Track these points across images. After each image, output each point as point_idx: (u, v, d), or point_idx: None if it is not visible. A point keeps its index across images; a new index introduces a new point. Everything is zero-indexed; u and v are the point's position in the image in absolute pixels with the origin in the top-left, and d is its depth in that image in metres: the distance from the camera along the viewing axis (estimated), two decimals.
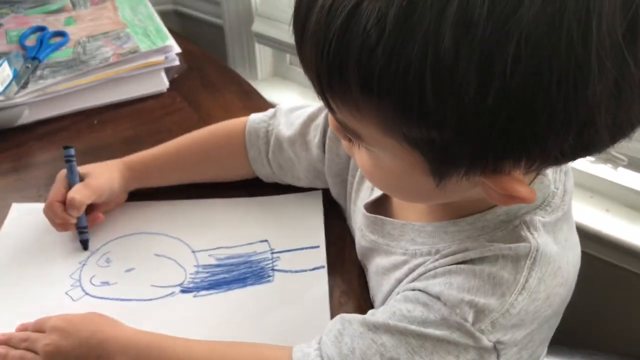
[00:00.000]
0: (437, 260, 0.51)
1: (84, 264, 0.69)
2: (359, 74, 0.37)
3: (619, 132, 0.40)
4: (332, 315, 0.63)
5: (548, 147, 0.38)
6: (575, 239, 0.54)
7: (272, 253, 0.69)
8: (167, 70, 0.96)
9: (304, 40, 0.40)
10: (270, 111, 0.73)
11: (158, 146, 0.74)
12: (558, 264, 0.49)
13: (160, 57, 0.92)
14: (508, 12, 0.33)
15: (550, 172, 0.52)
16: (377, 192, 0.61)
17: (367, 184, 0.63)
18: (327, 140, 0.67)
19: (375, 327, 0.50)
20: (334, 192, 0.72)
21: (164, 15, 1.04)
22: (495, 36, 0.33)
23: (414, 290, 0.50)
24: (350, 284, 0.66)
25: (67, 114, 0.90)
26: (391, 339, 0.49)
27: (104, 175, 0.70)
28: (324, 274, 0.66)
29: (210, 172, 0.75)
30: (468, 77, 0.34)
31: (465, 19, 0.33)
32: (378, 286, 0.60)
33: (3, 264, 0.69)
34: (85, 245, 0.70)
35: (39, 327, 0.59)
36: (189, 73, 0.98)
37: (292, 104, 0.73)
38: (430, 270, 0.51)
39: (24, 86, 0.88)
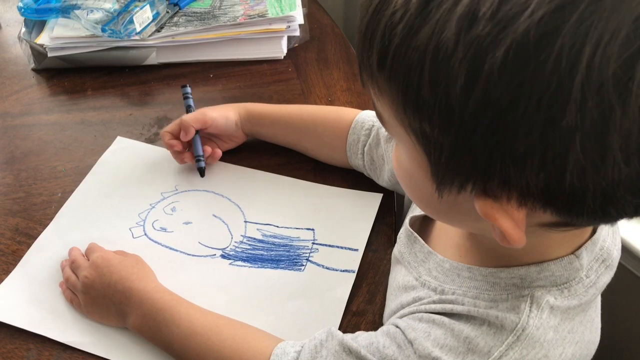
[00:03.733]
0: (433, 302, 0.51)
1: (153, 207, 0.77)
2: (380, 47, 0.38)
3: (607, 196, 0.35)
4: (344, 320, 0.65)
5: (527, 174, 0.35)
6: (587, 336, 0.50)
7: (313, 243, 0.72)
8: (290, 39, 0.99)
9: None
10: None
11: (275, 105, 0.82)
12: (545, 352, 0.46)
13: (282, 25, 0.96)
14: (510, 16, 0.32)
15: (587, 258, 0.48)
16: None
17: None
18: None
19: (350, 351, 0.51)
20: (408, 201, 0.72)
21: None
22: (491, 37, 0.32)
23: (397, 326, 0.51)
24: (373, 295, 0.67)
25: (188, 62, 0.97)
26: None
27: (218, 110, 0.79)
28: (351, 278, 0.68)
29: (310, 146, 0.80)
30: (458, 72, 0.34)
31: (471, 14, 0.33)
32: (389, 301, 0.61)
33: (91, 187, 0.79)
34: (201, 172, 0.79)
35: (87, 253, 0.68)
36: (309, 44, 1.00)
37: None
38: (421, 311, 0.51)
39: (159, 30, 0.96)
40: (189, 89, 0.82)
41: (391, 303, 0.59)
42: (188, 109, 0.82)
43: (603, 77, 0.31)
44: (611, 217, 0.39)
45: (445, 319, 0.48)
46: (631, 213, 0.38)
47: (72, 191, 0.79)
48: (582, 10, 0.31)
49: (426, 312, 0.50)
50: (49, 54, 0.95)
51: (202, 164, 0.78)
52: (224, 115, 0.79)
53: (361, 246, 0.71)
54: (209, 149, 0.79)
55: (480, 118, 0.34)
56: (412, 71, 0.36)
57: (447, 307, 0.49)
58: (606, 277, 0.50)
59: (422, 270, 0.55)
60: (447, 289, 0.51)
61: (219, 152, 0.79)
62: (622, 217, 0.39)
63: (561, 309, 0.47)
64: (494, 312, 0.46)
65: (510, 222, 0.39)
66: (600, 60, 0.31)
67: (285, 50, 0.98)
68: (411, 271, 0.57)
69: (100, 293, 0.63)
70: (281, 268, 0.70)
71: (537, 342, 0.45)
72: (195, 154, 0.79)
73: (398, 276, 0.59)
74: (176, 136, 0.79)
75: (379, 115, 0.44)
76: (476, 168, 0.37)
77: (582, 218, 0.38)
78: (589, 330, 0.50)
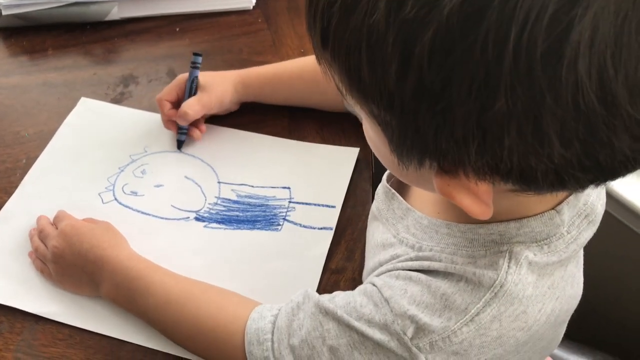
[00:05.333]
0: (410, 259, 0.50)
1: (122, 170, 0.74)
2: (320, 26, 0.36)
3: (558, 174, 0.34)
4: (323, 278, 0.64)
5: (472, 156, 0.34)
6: (568, 291, 0.49)
7: (290, 202, 0.70)
8: None
9: None
10: None
11: (271, 66, 0.78)
12: (524, 308, 0.45)
13: None
14: None
15: (568, 214, 0.46)
16: None
17: None
18: None
19: (326, 312, 0.50)
20: None
21: None
22: (419, 20, 0.31)
23: (373, 285, 0.50)
24: (351, 252, 0.66)
25: (153, 16, 0.93)
26: (337, 327, 0.49)
27: (216, 91, 0.75)
28: (329, 235, 0.66)
29: (315, 100, 0.78)
30: (392, 56, 0.32)
31: None
32: (367, 259, 0.60)
33: (56, 152, 0.76)
34: (179, 145, 0.76)
35: (55, 221, 0.66)
36: None
37: None
38: (398, 269, 0.50)
39: None
40: (199, 59, 0.76)
41: (369, 261, 0.58)
42: (192, 81, 0.75)
43: (531, 61, 0.29)
44: (573, 188, 0.38)
45: (422, 276, 0.47)
46: (594, 184, 0.37)
47: (37, 157, 0.76)
48: None
49: (403, 270, 0.49)
50: (4, 12, 0.90)
51: (183, 137, 0.75)
52: (221, 95, 0.75)
53: (339, 203, 0.69)
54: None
55: (419, 102, 0.33)
56: (351, 53, 0.35)
57: (425, 263, 0.48)
58: (588, 233, 0.48)
59: (401, 227, 0.54)
60: (425, 245, 0.50)
61: (203, 130, 0.76)
62: (585, 188, 0.38)
63: (539, 265, 0.45)
64: (471, 268, 0.45)
65: (469, 199, 0.38)
66: (527, 42, 0.29)
67: (254, 0, 0.93)
68: (389, 228, 0.55)
69: (71, 263, 0.61)
70: (257, 229, 0.68)
71: (515, 298, 0.44)
72: (179, 125, 0.75)
73: (376, 233, 0.58)
74: (174, 104, 0.75)
75: (337, 88, 0.42)
76: (426, 148, 0.36)
77: (543, 189, 0.37)
78: (570, 285, 0.49)
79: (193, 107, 0.73)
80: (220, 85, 0.75)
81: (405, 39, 0.32)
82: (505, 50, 0.29)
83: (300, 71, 0.76)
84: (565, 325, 0.54)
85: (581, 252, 0.52)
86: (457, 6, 0.30)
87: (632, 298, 0.94)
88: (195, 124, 0.75)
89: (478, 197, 0.38)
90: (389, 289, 0.48)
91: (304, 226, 0.68)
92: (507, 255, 0.45)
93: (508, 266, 0.44)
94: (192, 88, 0.74)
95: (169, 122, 0.75)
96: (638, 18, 0.28)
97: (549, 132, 0.31)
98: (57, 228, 0.65)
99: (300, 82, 0.76)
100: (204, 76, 0.76)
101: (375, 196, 0.60)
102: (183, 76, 0.76)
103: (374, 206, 0.60)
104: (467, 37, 0.30)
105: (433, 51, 0.31)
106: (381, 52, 0.33)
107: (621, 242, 0.81)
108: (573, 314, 0.54)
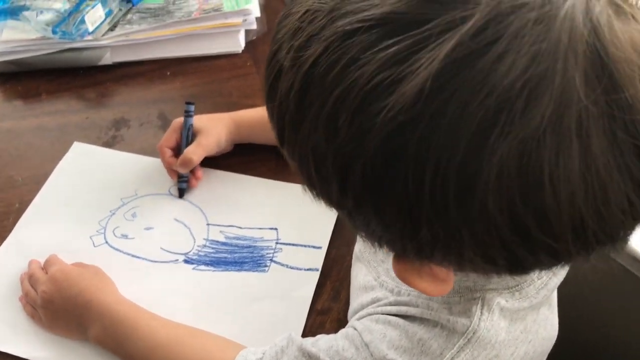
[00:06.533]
0: (389, 303, 0.51)
1: (113, 214, 0.76)
2: (276, 128, 0.39)
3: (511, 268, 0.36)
4: (309, 320, 0.65)
5: (416, 246, 0.36)
6: (542, 334, 0.51)
7: (277, 243, 0.71)
8: (247, 32, 0.98)
9: None
10: None
11: (261, 108, 0.79)
12: (497, 352, 0.47)
13: (238, 19, 0.94)
14: (363, 131, 0.32)
15: None
16: None
17: None
18: None
19: (309, 356, 0.51)
20: None
21: None
22: (350, 149, 0.33)
23: (354, 329, 0.51)
24: (337, 293, 0.67)
25: (144, 60, 0.95)
26: None
27: (213, 134, 0.77)
28: (315, 276, 0.68)
29: None
30: (332, 175, 0.35)
31: (334, 121, 0.33)
32: (352, 300, 0.61)
33: (49, 196, 0.78)
34: (181, 193, 0.77)
35: (46, 266, 0.67)
36: (268, 36, 0.99)
37: None
38: (378, 313, 0.51)
39: (112, 28, 0.94)
40: (192, 108, 0.77)
41: (354, 302, 0.60)
42: (188, 130, 0.77)
43: (446, 200, 0.31)
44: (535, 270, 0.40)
45: (401, 321, 0.49)
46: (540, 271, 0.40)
47: (30, 201, 0.77)
48: (422, 129, 0.30)
49: (383, 314, 0.51)
50: None
51: (185, 185, 0.77)
52: (218, 137, 0.77)
53: (324, 243, 0.71)
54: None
55: (360, 215, 0.36)
56: (302, 162, 0.37)
57: (402, 309, 0.50)
58: (558, 278, 0.50)
59: (381, 270, 0.56)
60: (403, 290, 0.52)
61: (200, 176, 0.78)
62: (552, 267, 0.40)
63: (511, 311, 0.47)
64: (445, 315, 0.47)
65: (426, 282, 0.40)
66: (441, 183, 0.31)
67: (243, 44, 0.96)
68: (371, 270, 0.57)
69: (61, 307, 0.62)
70: (245, 270, 0.69)
71: (488, 343, 0.46)
72: (180, 173, 0.77)
73: (359, 275, 0.60)
74: (174, 151, 0.77)
75: None
76: (380, 240, 0.38)
77: (505, 274, 0.39)
78: (543, 327, 0.51)
79: (196, 153, 0.75)
80: (215, 128, 0.77)
81: (340, 165, 0.34)
82: (422, 189, 0.31)
83: None
84: None
85: (554, 295, 0.53)
86: (380, 143, 0.31)
87: (613, 332, 0.95)
88: (192, 170, 0.77)
89: (434, 276, 0.40)
90: (369, 333, 0.49)
91: (291, 267, 0.69)
92: (479, 302, 0.47)
93: (481, 313, 0.46)
94: (188, 136, 0.77)
95: (170, 170, 0.77)
96: (540, 158, 0.30)
97: (472, 256, 0.34)
98: (47, 273, 0.66)
99: None
100: (199, 119, 0.78)
101: (358, 237, 0.62)
102: (178, 121, 0.78)
103: (356, 248, 0.62)
104: (391, 172, 0.32)
105: (364, 180, 0.33)
106: (325, 169, 0.35)
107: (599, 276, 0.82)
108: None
